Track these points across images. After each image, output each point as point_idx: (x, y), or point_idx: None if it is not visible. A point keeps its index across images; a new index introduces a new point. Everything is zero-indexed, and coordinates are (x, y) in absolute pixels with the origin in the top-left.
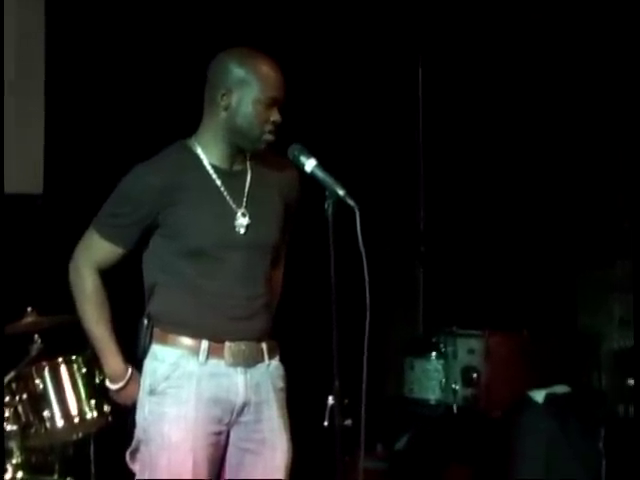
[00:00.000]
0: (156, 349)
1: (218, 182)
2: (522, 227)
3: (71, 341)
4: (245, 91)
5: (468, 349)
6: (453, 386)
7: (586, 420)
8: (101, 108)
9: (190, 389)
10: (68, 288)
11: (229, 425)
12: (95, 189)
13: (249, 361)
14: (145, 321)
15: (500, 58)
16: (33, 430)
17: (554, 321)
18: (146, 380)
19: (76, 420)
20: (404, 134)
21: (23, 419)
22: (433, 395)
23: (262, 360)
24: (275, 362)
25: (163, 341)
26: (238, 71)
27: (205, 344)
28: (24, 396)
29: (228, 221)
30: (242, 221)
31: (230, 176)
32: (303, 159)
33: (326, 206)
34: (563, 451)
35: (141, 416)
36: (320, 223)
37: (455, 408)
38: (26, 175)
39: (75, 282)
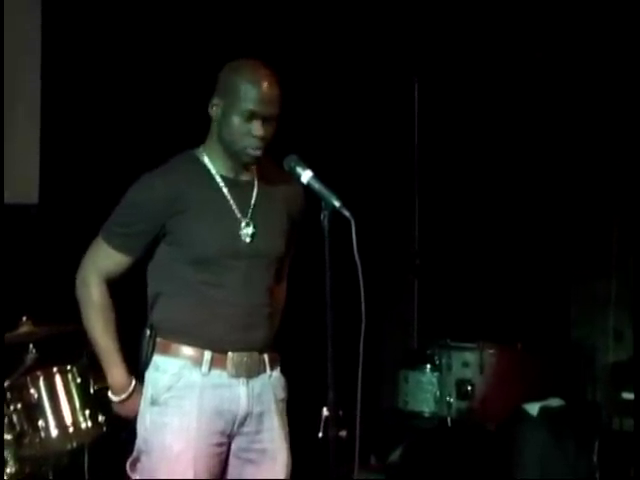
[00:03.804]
0: (158, 360)
1: (225, 191)
2: (517, 241)
3: (66, 351)
4: (227, 102)
5: (462, 362)
6: (447, 399)
7: (580, 433)
8: (97, 119)
9: (192, 400)
10: (63, 298)
11: (231, 436)
12: (90, 199)
13: (251, 372)
14: (147, 331)
15: (494, 79)
16: (27, 440)
17: (548, 334)
18: (148, 390)
19: (70, 430)
20: (400, 149)
21: (17, 428)
22: (427, 408)
23: (264, 371)
24: (276, 373)
25: (165, 351)
26: (228, 82)
27: (208, 355)
28: (18, 405)
29: (234, 230)
30: (247, 230)
31: (237, 186)
32: (299, 170)
33: (322, 217)
34: (557, 464)
35: (142, 426)
36: (316, 234)
37: (449, 421)
38: (22, 185)
39: (82, 292)
